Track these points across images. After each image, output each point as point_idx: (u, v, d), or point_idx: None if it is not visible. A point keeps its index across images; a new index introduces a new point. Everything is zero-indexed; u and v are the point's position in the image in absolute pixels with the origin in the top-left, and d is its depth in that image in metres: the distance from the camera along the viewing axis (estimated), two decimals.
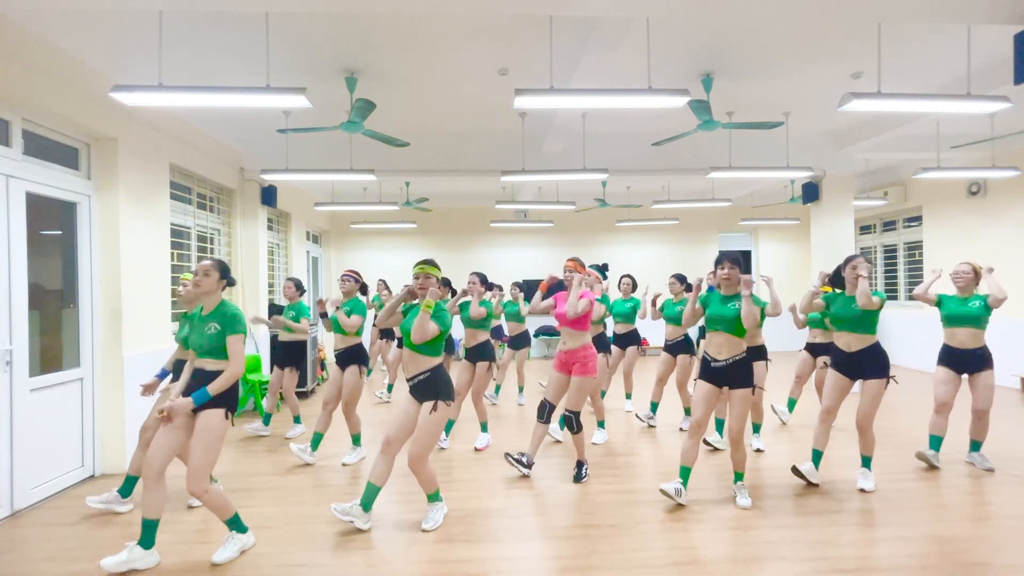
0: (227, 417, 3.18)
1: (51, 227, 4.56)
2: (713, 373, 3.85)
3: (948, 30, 4.60)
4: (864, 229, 11.41)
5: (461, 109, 6.42)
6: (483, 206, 12.05)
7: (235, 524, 3.27)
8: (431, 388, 3.54)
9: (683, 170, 7.80)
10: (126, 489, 3.94)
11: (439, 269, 3.69)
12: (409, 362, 3.59)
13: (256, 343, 7.35)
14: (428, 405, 3.51)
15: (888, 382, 4.03)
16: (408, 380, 3.61)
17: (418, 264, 3.63)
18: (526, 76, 5.33)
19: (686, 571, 3.06)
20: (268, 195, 7.70)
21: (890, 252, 10.77)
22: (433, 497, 3.71)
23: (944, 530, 3.48)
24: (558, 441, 5.45)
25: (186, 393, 3.20)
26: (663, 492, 3.82)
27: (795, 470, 4.17)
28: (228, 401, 3.19)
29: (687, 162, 7.78)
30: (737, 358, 3.79)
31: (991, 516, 3.70)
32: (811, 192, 8.18)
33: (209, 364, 3.20)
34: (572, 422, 4.32)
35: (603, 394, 6.24)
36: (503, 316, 7.33)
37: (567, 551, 3.29)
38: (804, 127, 7.35)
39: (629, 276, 6.36)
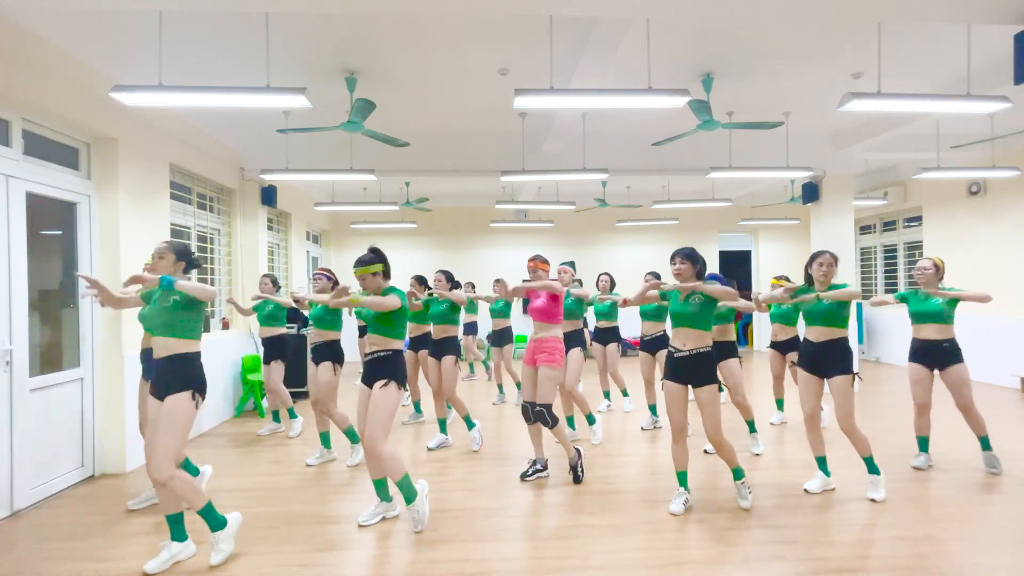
0: (193, 398, 3.02)
1: (51, 227, 4.56)
2: (677, 366, 3.77)
3: (948, 30, 4.60)
4: (864, 229, 11.41)
5: (461, 109, 6.42)
6: (483, 206, 12.05)
7: (209, 514, 3.13)
8: (386, 367, 3.56)
9: (683, 170, 7.81)
10: None
11: (377, 264, 3.62)
12: (372, 343, 3.64)
13: (257, 343, 7.34)
14: (380, 382, 3.52)
15: (854, 379, 4.01)
16: (365, 356, 3.65)
17: (355, 266, 3.62)
18: (526, 76, 5.33)
19: (686, 571, 3.06)
20: (268, 195, 7.70)
21: (890, 252, 10.77)
22: (409, 497, 3.54)
23: (943, 530, 3.48)
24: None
25: (154, 382, 3.06)
26: (672, 514, 3.78)
27: (807, 492, 4.12)
28: (194, 382, 3.01)
29: (687, 162, 7.78)
30: (700, 350, 3.72)
31: (991, 516, 3.70)
32: (811, 192, 8.18)
33: (167, 343, 3.01)
34: (544, 416, 4.27)
35: (607, 395, 6.77)
36: (489, 311, 7.54)
37: (566, 551, 3.29)
38: (804, 127, 7.35)
39: (607, 274, 6.46)
